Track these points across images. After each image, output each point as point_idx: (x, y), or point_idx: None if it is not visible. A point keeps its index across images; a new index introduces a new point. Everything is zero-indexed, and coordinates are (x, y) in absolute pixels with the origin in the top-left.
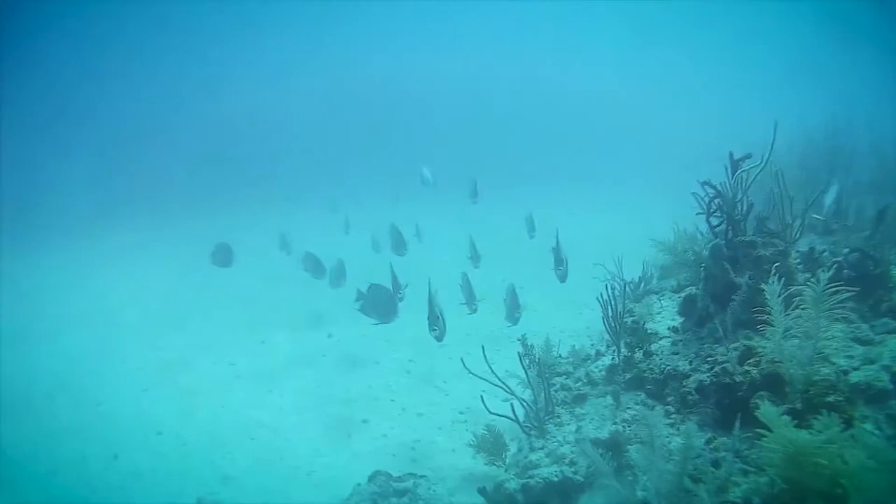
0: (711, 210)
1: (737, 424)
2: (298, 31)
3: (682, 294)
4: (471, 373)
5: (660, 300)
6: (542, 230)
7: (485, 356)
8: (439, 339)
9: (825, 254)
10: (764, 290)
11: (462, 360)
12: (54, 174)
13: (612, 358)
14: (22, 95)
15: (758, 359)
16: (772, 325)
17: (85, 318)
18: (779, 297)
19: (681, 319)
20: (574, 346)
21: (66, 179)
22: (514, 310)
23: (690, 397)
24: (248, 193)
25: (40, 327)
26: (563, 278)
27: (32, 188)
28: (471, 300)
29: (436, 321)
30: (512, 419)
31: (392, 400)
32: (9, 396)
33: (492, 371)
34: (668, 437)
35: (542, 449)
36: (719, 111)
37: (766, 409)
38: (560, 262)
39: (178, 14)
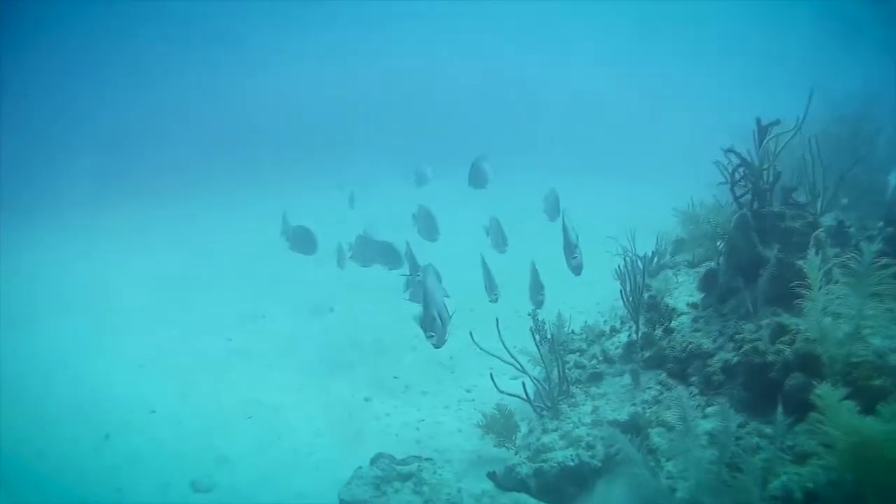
0: (735, 179)
1: (779, 409)
2: (308, 18)
3: (700, 269)
4: (480, 348)
5: (675, 276)
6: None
7: (498, 330)
8: (437, 345)
9: (851, 228)
10: (794, 264)
11: (471, 334)
12: (57, 153)
13: (629, 334)
14: (26, 74)
15: (791, 337)
16: (809, 301)
17: (83, 297)
18: (819, 270)
19: (701, 295)
20: (587, 321)
21: (69, 158)
22: (537, 291)
23: (715, 377)
24: (251, 174)
25: (38, 307)
26: (577, 270)
27: (34, 165)
28: (492, 287)
29: (432, 323)
30: (523, 398)
31: (395, 377)
32: (3, 377)
33: (503, 345)
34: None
35: (555, 431)
36: (720, 108)
37: (825, 392)
38: (573, 249)
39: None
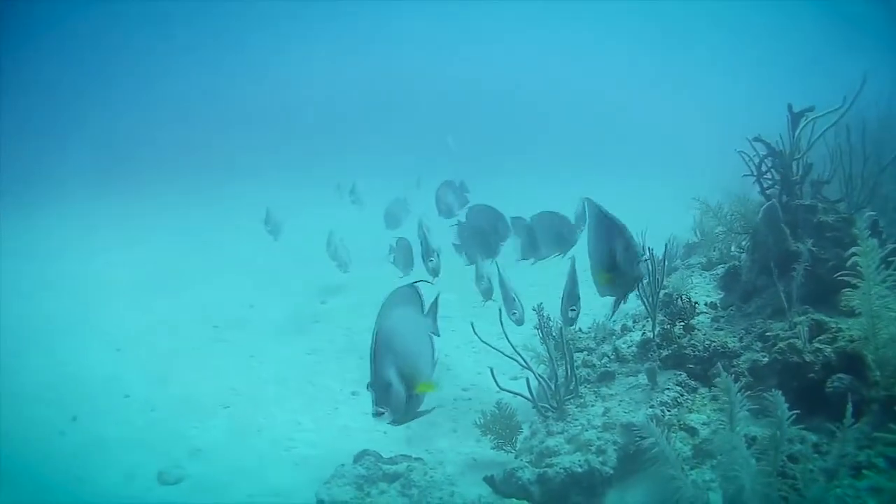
0: (762, 171)
1: (849, 409)
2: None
3: (716, 271)
4: (481, 340)
5: (689, 277)
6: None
7: (501, 320)
8: (395, 423)
9: (883, 229)
10: (829, 261)
11: (472, 325)
12: (58, 145)
13: (643, 333)
14: (28, 59)
15: (831, 335)
16: (860, 293)
17: (69, 279)
18: (878, 258)
19: (720, 295)
20: (595, 320)
21: (69, 149)
22: (570, 303)
23: (743, 379)
24: (246, 167)
25: (22, 286)
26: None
27: (34, 155)
28: (510, 305)
29: (385, 392)
30: (526, 397)
31: None
32: None
33: (506, 338)
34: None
35: (561, 433)
36: (722, 108)
37: None
38: (632, 265)
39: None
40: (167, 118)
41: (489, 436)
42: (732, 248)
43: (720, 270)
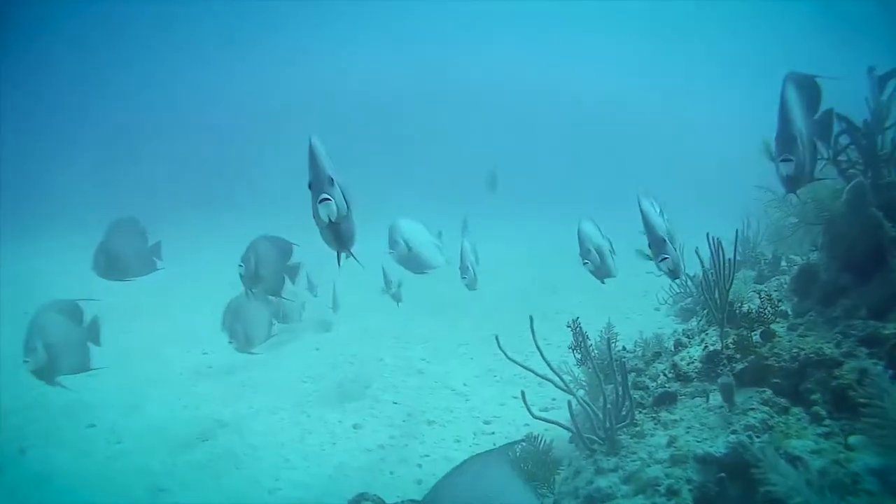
0: (838, 149)
1: None
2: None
3: (773, 282)
4: (508, 357)
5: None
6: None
7: (532, 331)
8: None
9: None
10: None
11: (497, 338)
12: (60, 163)
13: (704, 346)
14: (26, 84)
15: None
16: None
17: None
18: None
19: (793, 301)
20: (641, 333)
21: (72, 167)
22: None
23: (852, 392)
24: (247, 191)
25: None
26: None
27: (37, 176)
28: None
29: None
30: (565, 426)
31: (395, 403)
32: None
33: (540, 354)
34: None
35: (614, 471)
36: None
37: None
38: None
39: (177, 15)
40: (165, 146)
41: (520, 476)
42: (783, 262)
43: (775, 283)
